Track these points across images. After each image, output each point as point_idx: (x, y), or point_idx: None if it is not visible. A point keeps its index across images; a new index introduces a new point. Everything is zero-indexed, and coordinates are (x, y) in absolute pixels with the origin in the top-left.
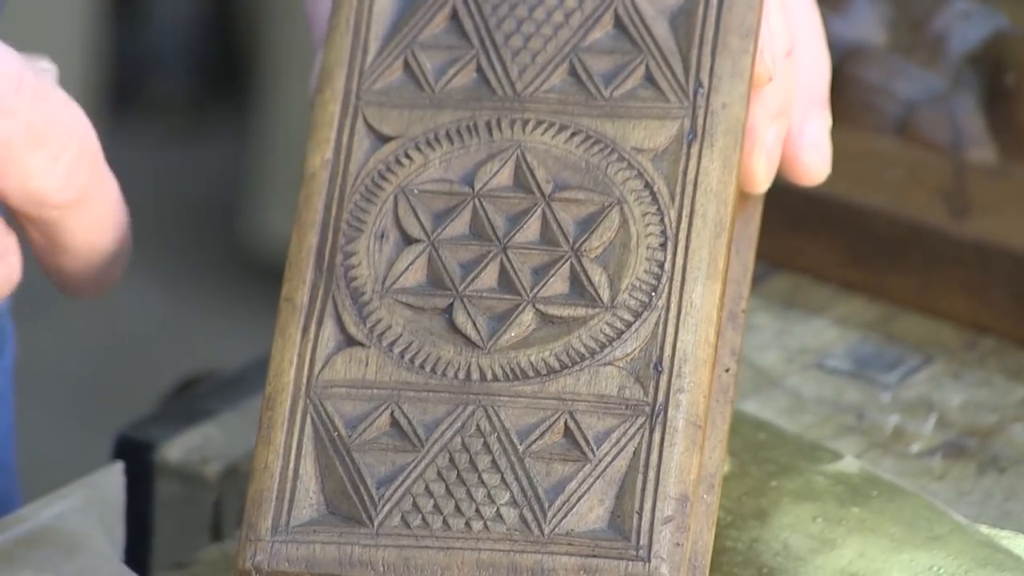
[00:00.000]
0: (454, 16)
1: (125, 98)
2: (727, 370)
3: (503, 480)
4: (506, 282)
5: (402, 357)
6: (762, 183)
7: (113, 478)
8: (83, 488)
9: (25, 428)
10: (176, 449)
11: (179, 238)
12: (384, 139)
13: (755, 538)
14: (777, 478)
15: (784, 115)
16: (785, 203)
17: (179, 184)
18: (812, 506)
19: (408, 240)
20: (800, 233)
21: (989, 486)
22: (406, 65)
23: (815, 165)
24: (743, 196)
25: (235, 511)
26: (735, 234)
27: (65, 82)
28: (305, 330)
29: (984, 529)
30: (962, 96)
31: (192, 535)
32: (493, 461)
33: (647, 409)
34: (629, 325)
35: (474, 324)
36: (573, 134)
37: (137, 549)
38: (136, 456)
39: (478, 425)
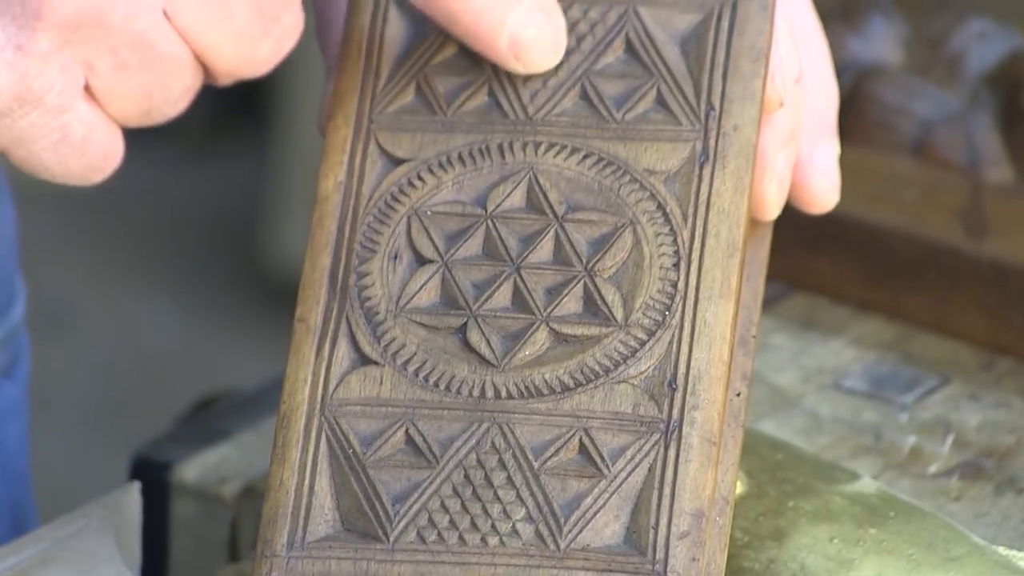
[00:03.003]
0: None
1: None
2: (738, 394)
3: (518, 496)
4: (520, 301)
5: (416, 375)
6: (773, 209)
7: (130, 498)
8: (100, 508)
9: (42, 447)
10: (193, 469)
11: (196, 258)
12: (397, 162)
13: (772, 558)
14: (794, 498)
15: (794, 141)
16: (802, 223)
17: (196, 205)
18: (829, 527)
19: (421, 261)
20: (817, 253)
21: (1007, 507)
22: (418, 89)
23: (824, 192)
24: (754, 222)
25: (252, 530)
26: (746, 259)
27: None
28: (319, 349)
29: (1002, 550)
30: (979, 116)
31: (209, 554)
32: (508, 477)
33: (662, 426)
34: (643, 343)
35: (488, 343)
36: (585, 156)
37: (154, 569)
38: (153, 476)
39: (493, 442)
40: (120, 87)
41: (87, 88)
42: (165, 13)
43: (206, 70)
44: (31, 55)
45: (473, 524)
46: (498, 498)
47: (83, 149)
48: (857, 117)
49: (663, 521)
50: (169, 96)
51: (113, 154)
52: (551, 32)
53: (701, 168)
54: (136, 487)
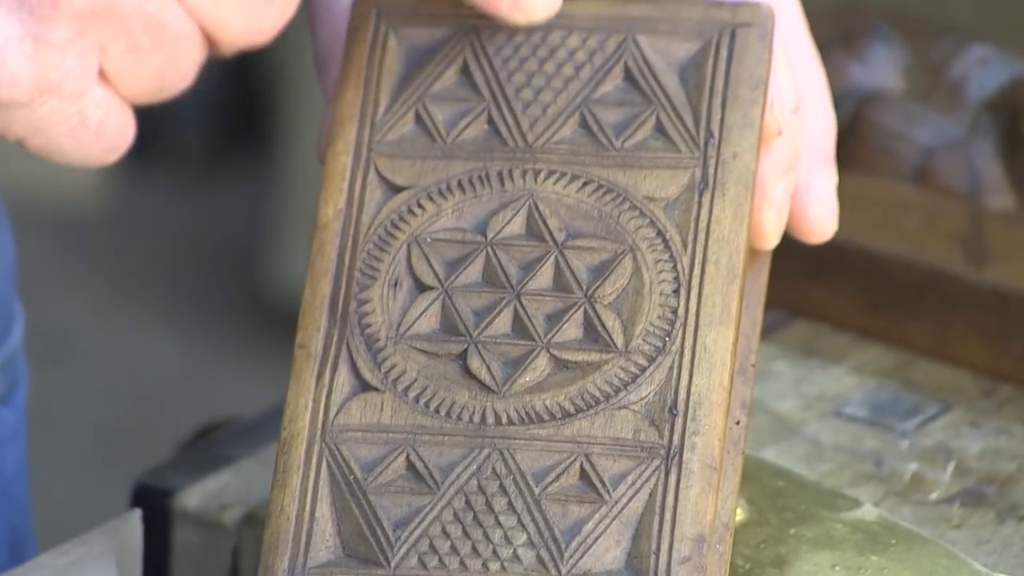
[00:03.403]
0: (464, 69)
1: (143, 146)
2: (738, 422)
3: (520, 522)
4: (520, 328)
5: (417, 402)
6: (772, 238)
7: (131, 525)
8: (101, 535)
9: (43, 475)
10: (194, 496)
11: (197, 285)
12: (396, 189)
13: None
14: (796, 526)
15: (792, 170)
16: (802, 251)
17: (197, 231)
18: (831, 554)
19: (422, 288)
20: (818, 281)
21: (1008, 534)
22: (417, 117)
23: (822, 222)
24: (752, 251)
25: (253, 557)
26: (745, 288)
27: None
28: (320, 376)
29: None
30: (980, 143)
31: None
32: (509, 503)
33: (662, 452)
34: (643, 370)
35: (488, 369)
36: (585, 183)
37: None
38: (154, 503)
39: (494, 468)
40: (133, 68)
41: (101, 72)
42: None
43: (212, 43)
44: (49, 45)
45: (474, 550)
46: (499, 523)
47: (100, 132)
48: (858, 143)
49: (664, 546)
50: (180, 72)
51: (127, 133)
52: None
53: (701, 195)
54: (137, 514)
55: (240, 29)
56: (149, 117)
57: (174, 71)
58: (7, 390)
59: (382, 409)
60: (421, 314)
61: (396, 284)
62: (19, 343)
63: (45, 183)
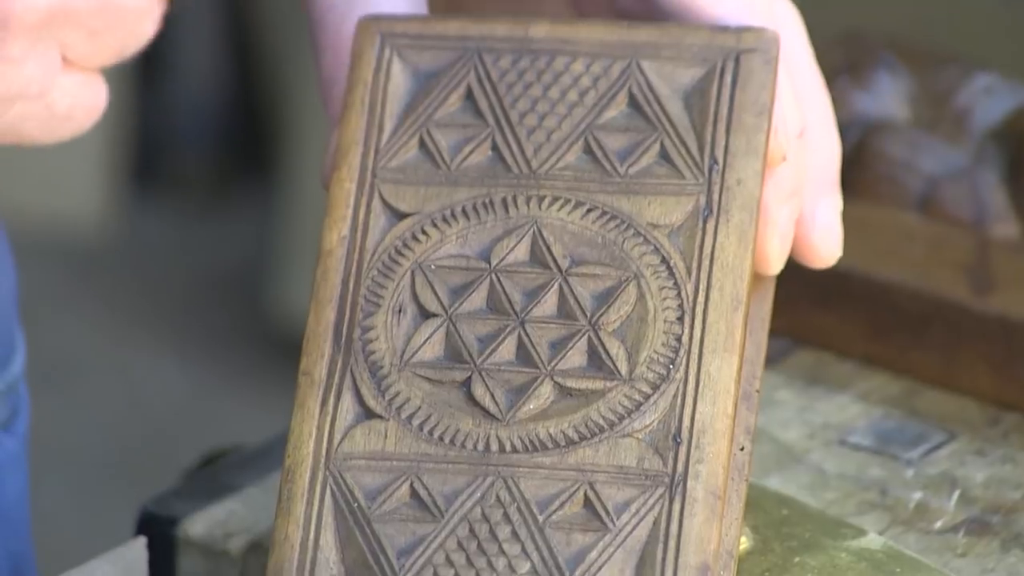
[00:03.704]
0: (469, 95)
1: (148, 173)
2: (742, 449)
3: (523, 550)
4: (524, 355)
5: (421, 429)
6: (776, 264)
7: (137, 553)
8: (106, 563)
9: (48, 503)
10: (200, 524)
11: (202, 313)
12: (400, 216)
13: None
14: (800, 554)
15: (797, 196)
16: (807, 278)
17: (202, 259)
18: None
19: (426, 315)
20: (823, 309)
21: (1013, 563)
22: (421, 143)
23: (827, 247)
24: (757, 277)
25: None
26: (749, 314)
27: (88, 157)
28: (324, 403)
29: None
30: (985, 171)
31: None
32: (513, 531)
33: (666, 480)
34: (647, 397)
35: (492, 396)
36: (589, 210)
37: None
38: (160, 531)
39: (498, 496)
40: (95, 50)
41: (64, 59)
42: None
43: None
44: (6, 61)
45: None
46: (503, 552)
47: (70, 116)
48: (863, 172)
49: (668, 574)
50: (142, 35)
51: (99, 104)
52: None
53: (705, 222)
54: (142, 542)
55: None
56: (154, 145)
57: (136, 37)
58: (9, 417)
59: (386, 437)
60: (425, 341)
61: (400, 311)
62: (21, 370)
63: (51, 210)
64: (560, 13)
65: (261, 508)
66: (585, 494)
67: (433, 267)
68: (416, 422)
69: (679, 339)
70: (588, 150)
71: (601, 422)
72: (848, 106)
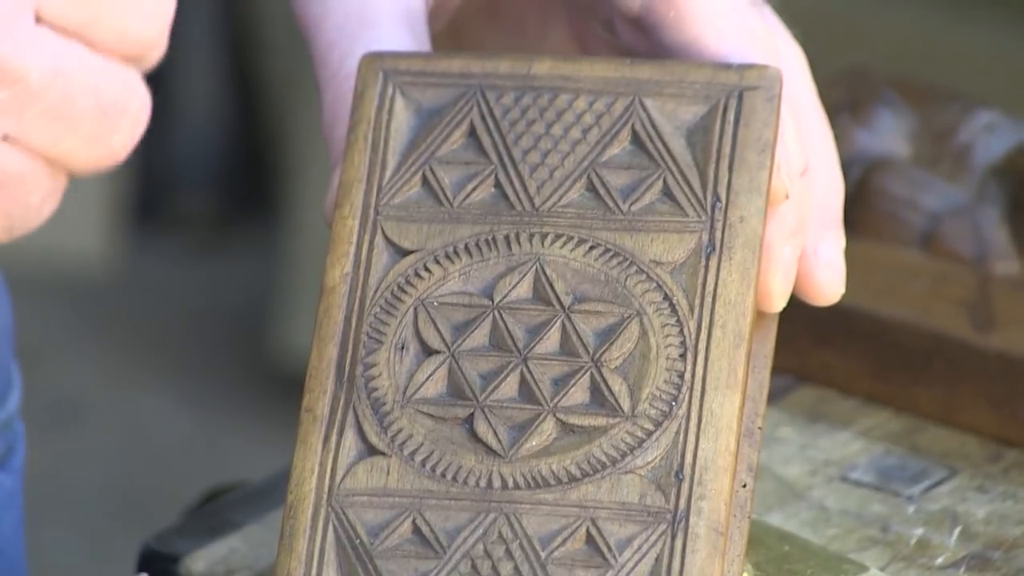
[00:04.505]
0: (472, 132)
1: (150, 213)
2: (744, 486)
3: None
4: (526, 392)
5: (423, 466)
6: (779, 301)
7: None
8: None
9: (51, 540)
10: (201, 561)
11: (205, 350)
12: (403, 253)
13: None
14: None
15: (800, 234)
16: (809, 315)
17: (204, 297)
18: None
19: (428, 351)
20: (825, 346)
21: None
22: (424, 180)
23: (829, 285)
24: (759, 314)
25: None
26: (752, 351)
27: (90, 195)
28: (326, 440)
29: None
30: (987, 208)
31: None
32: (516, 568)
33: (668, 516)
34: (650, 434)
35: (495, 433)
36: (592, 247)
37: None
38: (161, 568)
39: (500, 532)
40: (52, 136)
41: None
42: (7, 138)
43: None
44: None
45: None
46: None
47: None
48: (865, 210)
49: None
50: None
51: (57, 188)
52: None
53: (707, 259)
54: None
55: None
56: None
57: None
58: (4, 454)
59: (388, 473)
60: (428, 378)
61: (403, 348)
62: (16, 408)
63: (53, 248)
64: (564, 49)
65: (263, 545)
66: (587, 530)
67: (436, 304)
68: (419, 459)
69: (681, 376)
70: (591, 187)
71: (603, 459)
72: (849, 143)
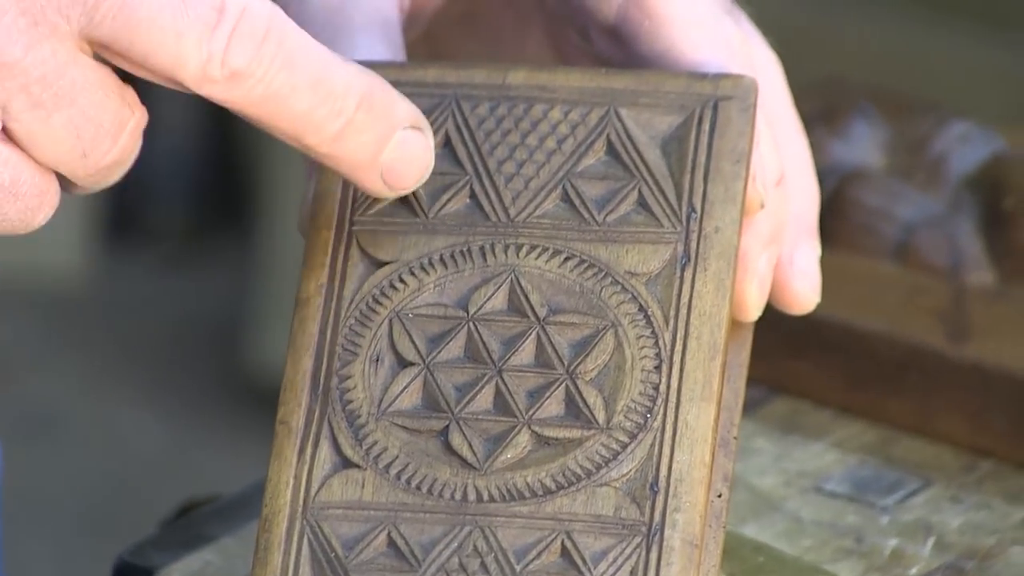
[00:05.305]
0: (447, 143)
1: (124, 226)
2: (719, 496)
3: None
4: (501, 404)
5: (398, 479)
6: (754, 311)
7: None
8: None
9: (25, 553)
10: (176, 574)
11: (180, 363)
12: (378, 264)
13: None
14: None
15: (775, 243)
16: (784, 327)
17: (180, 310)
18: None
19: (403, 363)
20: (799, 357)
21: None
22: None
23: (805, 294)
24: (735, 324)
25: None
26: (727, 361)
27: (65, 209)
28: (301, 452)
29: None
30: (961, 219)
31: None
32: None
33: (643, 529)
34: (625, 446)
35: (470, 446)
36: (567, 258)
37: None
38: None
39: (475, 545)
40: (40, 126)
41: (5, 130)
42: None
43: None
44: None
45: None
46: None
47: (14, 191)
48: (839, 220)
49: None
50: (101, 129)
51: (48, 193)
52: (423, 151)
53: (682, 270)
54: None
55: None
56: (131, 197)
57: (92, 127)
58: None
59: (363, 486)
60: (403, 390)
61: (378, 360)
62: None
63: (28, 262)
64: (540, 59)
65: (238, 558)
66: (562, 543)
67: (411, 316)
68: (393, 471)
69: (656, 388)
70: (566, 198)
71: (578, 471)
72: (823, 154)
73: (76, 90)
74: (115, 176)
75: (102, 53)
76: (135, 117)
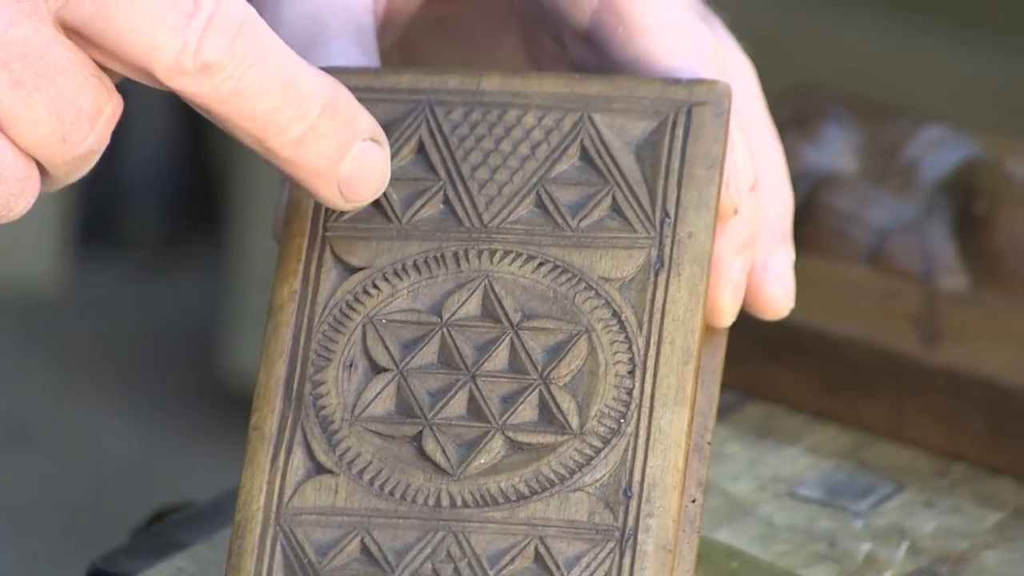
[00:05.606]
0: (420, 149)
1: (98, 232)
2: (693, 501)
3: None
4: (475, 410)
5: (372, 484)
6: (728, 316)
7: None
8: None
9: None
10: None
11: (153, 370)
12: (352, 270)
13: None
14: None
15: (749, 249)
16: (757, 332)
17: (153, 316)
18: None
19: (377, 369)
20: (772, 362)
21: None
22: None
23: (779, 299)
24: (709, 329)
25: None
26: (701, 366)
27: (38, 215)
28: (274, 458)
29: None
30: (934, 224)
31: None
32: None
33: (617, 534)
34: (598, 451)
35: (443, 451)
36: (540, 264)
37: None
38: None
39: (448, 551)
40: (22, 108)
41: None
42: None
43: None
44: None
45: None
46: None
47: None
48: (812, 226)
49: None
50: (80, 111)
51: (29, 179)
52: (381, 163)
53: (656, 275)
54: None
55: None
56: (105, 203)
57: (71, 110)
58: None
59: (337, 492)
60: (376, 396)
61: (351, 365)
62: None
63: (1, 269)
64: (515, 64)
65: (211, 564)
66: (536, 549)
67: (384, 321)
68: (367, 477)
69: (630, 393)
70: (540, 203)
71: (552, 476)
72: (796, 160)
73: (57, 71)
74: (87, 167)
75: (74, 40)
76: (112, 103)
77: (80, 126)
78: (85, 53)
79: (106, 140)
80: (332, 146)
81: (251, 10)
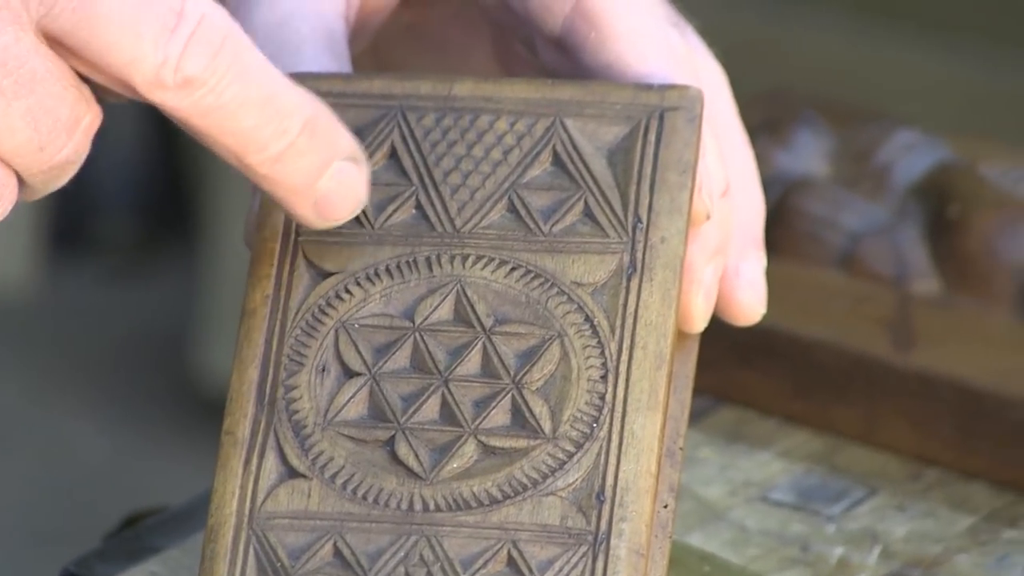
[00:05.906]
0: (393, 154)
1: (70, 236)
2: (666, 506)
3: None
4: (448, 414)
5: (344, 488)
6: (700, 322)
7: None
8: None
9: None
10: None
11: (126, 374)
12: (324, 275)
13: None
14: None
15: (721, 254)
16: (729, 336)
17: (125, 321)
18: None
19: (349, 374)
20: (744, 366)
21: None
22: None
23: (750, 305)
24: (681, 334)
25: None
26: (673, 371)
27: (9, 220)
28: (247, 463)
29: None
30: (906, 228)
31: None
32: None
33: (590, 538)
34: (571, 456)
35: (416, 456)
36: (513, 269)
37: None
38: None
39: (421, 555)
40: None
41: None
42: None
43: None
44: None
45: None
46: None
47: None
48: (784, 230)
49: None
50: (58, 122)
51: (7, 186)
52: (359, 184)
53: (628, 280)
54: None
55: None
56: (77, 208)
57: (50, 119)
58: None
59: (309, 496)
60: (349, 400)
61: (324, 370)
62: None
63: None
64: (487, 70)
65: (183, 569)
66: (508, 553)
67: (357, 326)
68: (340, 481)
69: (603, 397)
70: (512, 209)
71: (524, 480)
72: (768, 164)
73: (36, 80)
74: (65, 177)
75: (56, 50)
76: (91, 114)
77: (58, 136)
78: (66, 63)
79: (84, 151)
80: (310, 164)
81: (235, 26)
